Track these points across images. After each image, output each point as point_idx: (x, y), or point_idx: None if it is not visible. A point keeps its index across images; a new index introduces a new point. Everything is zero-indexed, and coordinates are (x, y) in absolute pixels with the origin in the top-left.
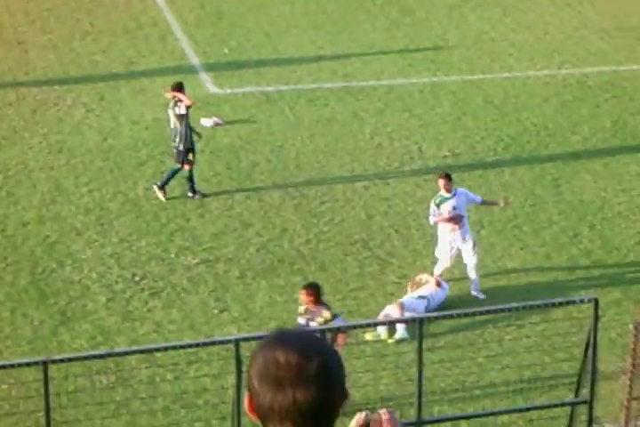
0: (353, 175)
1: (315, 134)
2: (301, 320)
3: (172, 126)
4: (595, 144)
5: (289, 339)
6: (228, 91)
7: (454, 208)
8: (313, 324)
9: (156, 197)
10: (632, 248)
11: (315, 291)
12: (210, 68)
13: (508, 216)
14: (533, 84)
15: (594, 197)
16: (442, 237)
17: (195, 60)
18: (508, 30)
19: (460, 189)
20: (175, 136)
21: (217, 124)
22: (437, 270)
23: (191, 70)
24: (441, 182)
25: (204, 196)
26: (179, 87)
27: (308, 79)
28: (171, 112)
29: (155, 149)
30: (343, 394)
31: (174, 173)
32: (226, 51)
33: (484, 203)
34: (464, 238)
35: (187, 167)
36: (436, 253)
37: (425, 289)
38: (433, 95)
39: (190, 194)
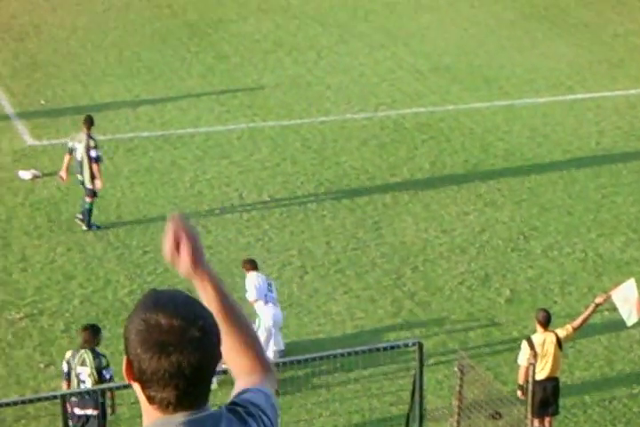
0: None
1: (134, 184)
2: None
3: (80, 160)
4: (414, 186)
5: (168, 302)
6: (46, 142)
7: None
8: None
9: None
10: (455, 289)
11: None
12: (27, 119)
13: (330, 260)
14: (351, 127)
15: (415, 239)
16: None
17: (11, 112)
18: (323, 73)
19: (250, 276)
20: (83, 172)
21: (35, 177)
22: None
23: (8, 122)
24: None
25: (98, 228)
26: (92, 122)
27: (126, 128)
28: (80, 147)
29: None
30: (220, 355)
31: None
32: (42, 102)
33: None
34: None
35: (88, 199)
36: None
37: None
38: (251, 141)
39: (85, 227)
